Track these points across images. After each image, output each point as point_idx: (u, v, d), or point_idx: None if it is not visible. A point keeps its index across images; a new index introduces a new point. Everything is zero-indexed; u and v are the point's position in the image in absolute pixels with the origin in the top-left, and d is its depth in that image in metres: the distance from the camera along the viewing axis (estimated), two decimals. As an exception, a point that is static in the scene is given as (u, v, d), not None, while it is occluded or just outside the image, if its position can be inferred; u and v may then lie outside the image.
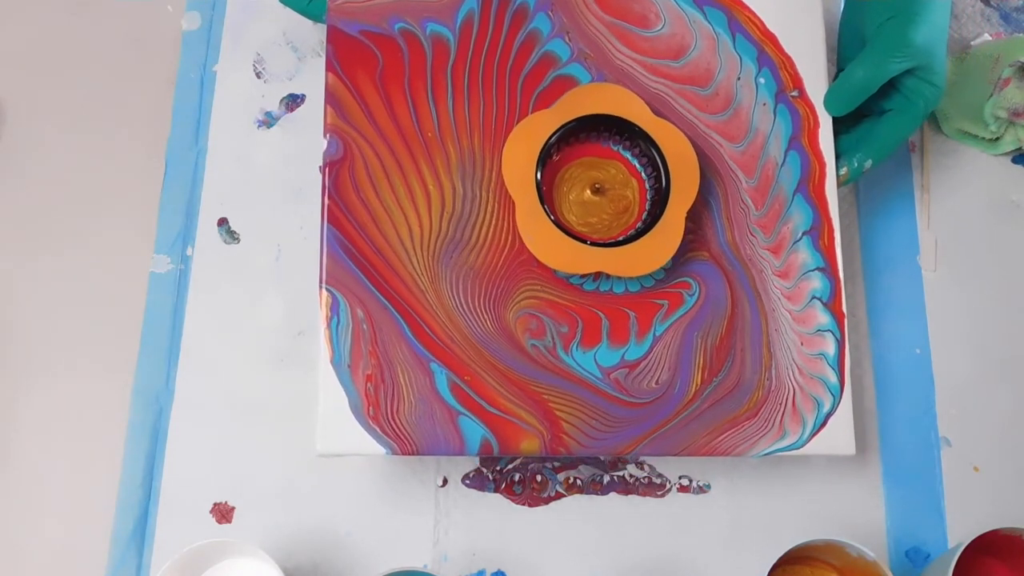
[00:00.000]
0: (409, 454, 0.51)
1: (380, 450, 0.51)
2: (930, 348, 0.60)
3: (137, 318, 0.59)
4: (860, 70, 0.54)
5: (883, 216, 0.63)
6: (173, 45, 0.65)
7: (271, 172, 0.62)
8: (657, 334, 0.53)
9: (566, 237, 0.52)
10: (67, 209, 0.62)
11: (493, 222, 0.54)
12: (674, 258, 0.54)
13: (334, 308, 0.52)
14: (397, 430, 0.51)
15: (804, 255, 0.55)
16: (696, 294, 0.54)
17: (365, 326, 0.52)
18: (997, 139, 0.63)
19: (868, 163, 0.57)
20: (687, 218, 0.54)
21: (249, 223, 0.61)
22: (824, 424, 0.53)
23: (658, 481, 0.57)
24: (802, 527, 0.56)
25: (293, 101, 0.64)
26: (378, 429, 0.51)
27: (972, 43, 0.67)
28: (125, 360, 0.58)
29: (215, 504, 0.56)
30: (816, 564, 0.54)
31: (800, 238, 0.56)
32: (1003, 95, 0.62)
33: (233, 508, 0.56)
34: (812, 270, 0.55)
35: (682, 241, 0.54)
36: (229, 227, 0.61)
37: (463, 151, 0.55)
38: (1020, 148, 0.63)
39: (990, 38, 0.67)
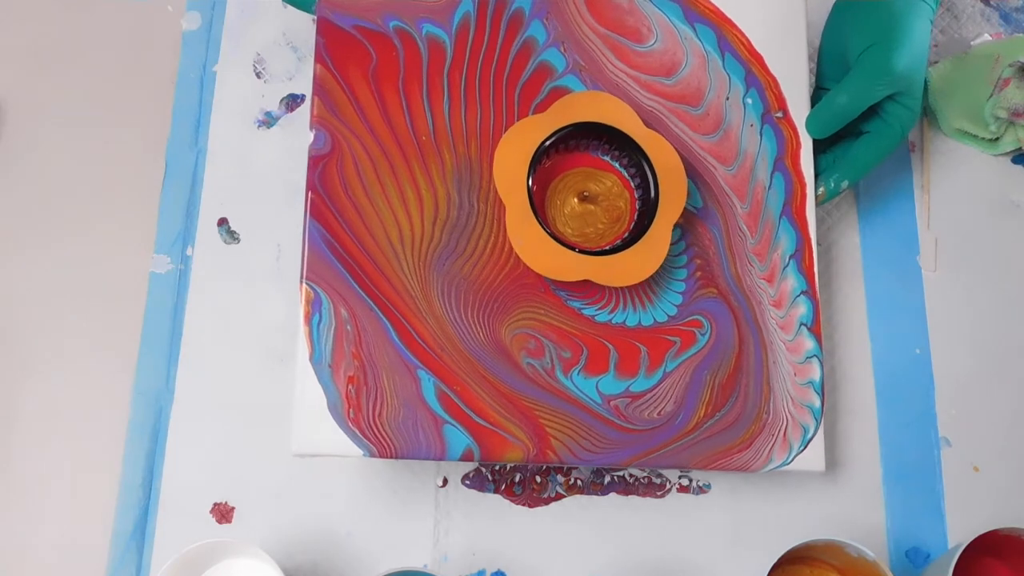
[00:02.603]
0: (387, 457, 0.50)
1: (357, 452, 0.50)
2: (930, 348, 0.60)
3: (137, 318, 0.59)
4: (843, 96, 0.55)
5: (883, 216, 0.63)
6: (173, 45, 0.65)
7: (271, 172, 0.62)
8: (668, 370, 0.53)
9: (554, 243, 0.52)
10: (67, 209, 0.62)
11: (491, 236, 0.54)
12: (685, 295, 0.54)
13: (316, 305, 0.52)
14: (377, 433, 0.51)
15: (792, 280, 0.55)
16: (708, 333, 0.54)
17: (349, 327, 0.52)
18: (997, 139, 0.63)
19: (845, 183, 0.57)
20: (695, 255, 0.54)
21: (249, 223, 0.61)
22: (806, 447, 0.53)
23: (658, 481, 0.57)
24: (802, 527, 0.56)
25: (293, 101, 0.64)
26: (357, 431, 0.50)
27: (972, 43, 0.67)
28: (125, 360, 0.58)
29: (215, 504, 0.56)
30: (816, 564, 0.54)
31: (788, 263, 0.56)
32: (1003, 95, 0.61)
33: (233, 508, 0.56)
34: (799, 295, 0.55)
35: (692, 278, 0.54)
36: (229, 227, 0.61)
37: (459, 158, 0.55)
38: (1020, 148, 0.63)
39: (990, 38, 0.67)
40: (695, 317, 0.54)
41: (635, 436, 0.52)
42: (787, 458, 0.53)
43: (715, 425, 0.53)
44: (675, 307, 0.54)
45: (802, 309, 0.55)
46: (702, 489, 0.57)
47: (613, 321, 0.53)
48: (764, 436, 0.53)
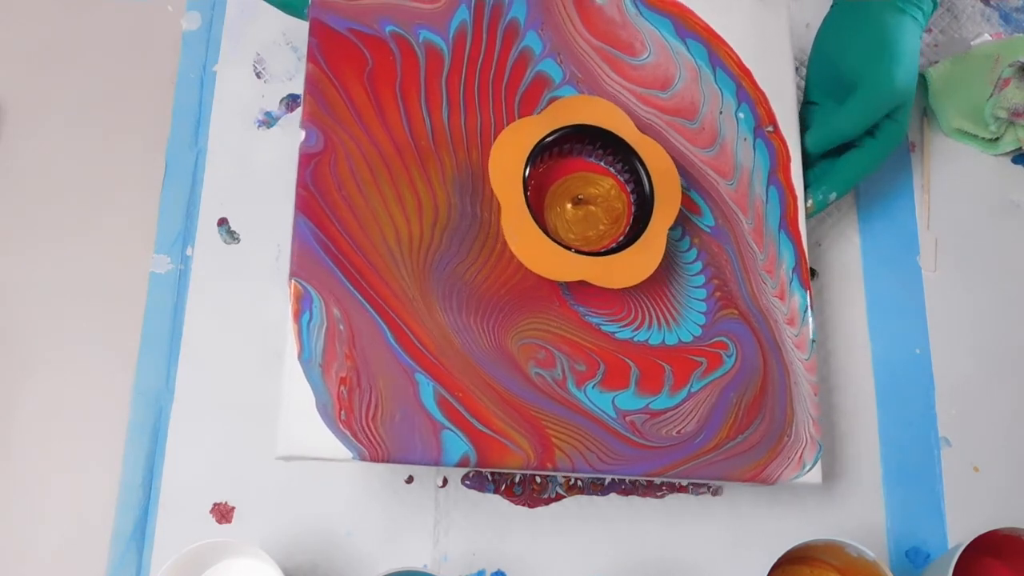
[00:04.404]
0: (379, 461, 0.48)
1: (347, 454, 0.48)
2: (930, 348, 0.60)
3: (137, 318, 0.59)
4: (847, 121, 0.55)
5: (883, 216, 0.63)
6: (173, 45, 0.65)
7: (271, 172, 0.62)
8: (693, 390, 0.52)
9: (551, 242, 0.51)
10: (67, 209, 0.62)
11: (495, 244, 0.53)
12: (707, 315, 0.54)
13: (305, 302, 0.50)
14: (370, 436, 0.48)
15: (797, 296, 0.55)
16: (734, 356, 0.53)
17: (342, 327, 0.50)
18: (997, 139, 0.63)
19: (833, 195, 0.58)
20: (713, 275, 0.54)
21: (249, 223, 0.61)
22: (816, 464, 0.53)
23: (658, 482, 0.57)
24: (802, 527, 0.56)
25: (293, 101, 0.64)
26: (349, 434, 0.48)
27: (972, 43, 0.67)
28: (125, 360, 0.58)
29: (215, 504, 0.56)
30: (816, 564, 0.54)
31: (791, 279, 0.55)
32: (1003, 95, 0.62)
33: (233, 508, 0.56)
34: (804, 311, 0.55)
35: (712, 298, 0.54)
36: (229, 227, 0.61)
37: (459, 165, 0.54)
38: (1020, 148, 0.63)
39: (990, 38, 0.67)
40: (720, 339, 0.54)
41: (648, 452, 0.51)
42: (798, 474, 0.52)
43: (736, 447, 0.52)
44: (699, 327, 0.53)
45: (810, 325, 0.55)
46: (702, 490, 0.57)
47: (636, 339, 0.53)
48: (782, 458, 0.52)
